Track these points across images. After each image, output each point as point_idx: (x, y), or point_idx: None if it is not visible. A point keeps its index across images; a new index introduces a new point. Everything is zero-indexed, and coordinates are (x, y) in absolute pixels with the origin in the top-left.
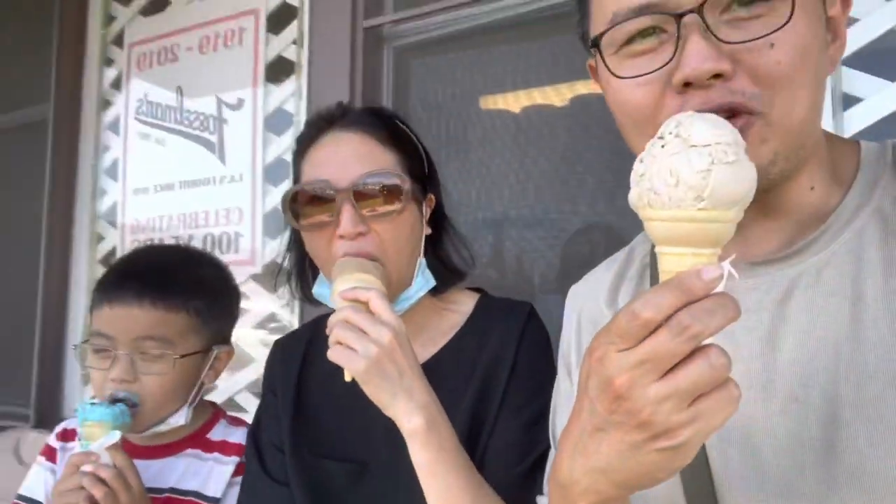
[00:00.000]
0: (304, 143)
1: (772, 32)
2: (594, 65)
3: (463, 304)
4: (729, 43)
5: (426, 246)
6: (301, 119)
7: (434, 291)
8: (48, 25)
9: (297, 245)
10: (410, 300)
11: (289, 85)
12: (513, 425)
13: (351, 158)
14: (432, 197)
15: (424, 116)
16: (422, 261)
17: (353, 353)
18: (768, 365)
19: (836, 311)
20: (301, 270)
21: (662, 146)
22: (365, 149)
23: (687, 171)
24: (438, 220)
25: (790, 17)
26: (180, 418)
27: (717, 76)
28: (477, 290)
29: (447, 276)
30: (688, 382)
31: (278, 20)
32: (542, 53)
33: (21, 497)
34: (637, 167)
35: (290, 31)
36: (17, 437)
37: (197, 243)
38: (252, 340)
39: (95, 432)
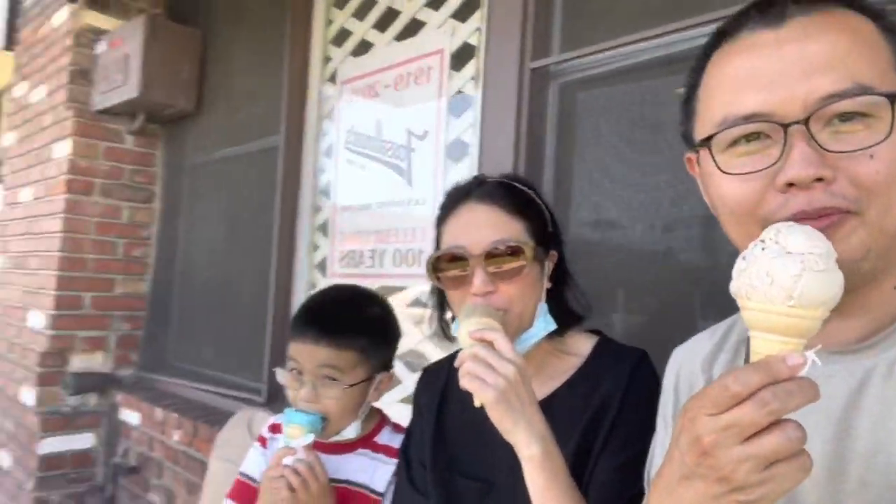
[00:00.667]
0: (446, 211)
1: (872, 146)
2: (692, 158)
3: (581, 347)
4: (832, 151)
5: (549, 294)
6: (475, 149)
7: (554, 334)
8: (279, 70)
9: (438, 294)
10: (531, 340)
11: (466, 117)
12: (610, 465)
13: (483, 228)
14: (554, 253)
15: (585, 144)
16: (543, 306)
17: (484, 383)
18: (840, 450)
19: None
20: (442, 313)
21: (763, 249)
22: (495, 218)
23: (781, 274)
24: (560, 274)
25: (890, 133)
26: (351, 432)
27: (819, 180)
28: (596, 332)
29: (567, 319)
30: (766, 450)
31: (460, 58)
32: None
33: (243, 474)
34: (739, 263)
35: (469, 68)
36: (251, 415)
37: (388, 256)
38: (431, 347)
39: (295, 433)
